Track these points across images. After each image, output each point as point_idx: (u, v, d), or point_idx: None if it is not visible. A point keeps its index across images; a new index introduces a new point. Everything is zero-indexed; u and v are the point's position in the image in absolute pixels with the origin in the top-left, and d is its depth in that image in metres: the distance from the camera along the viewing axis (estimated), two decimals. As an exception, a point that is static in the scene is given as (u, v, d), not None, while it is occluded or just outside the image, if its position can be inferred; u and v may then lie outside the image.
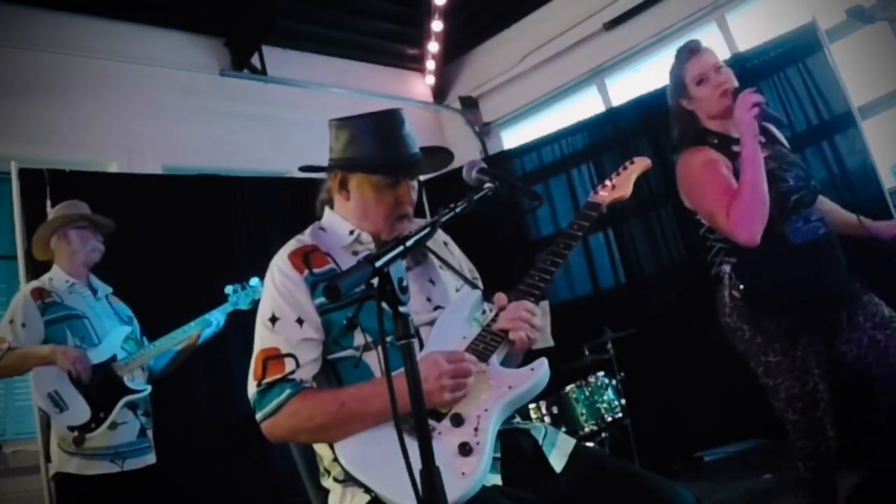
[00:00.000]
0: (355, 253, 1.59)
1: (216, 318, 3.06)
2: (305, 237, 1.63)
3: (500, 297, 1.55)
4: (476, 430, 1.34)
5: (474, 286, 1.68)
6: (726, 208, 1.99)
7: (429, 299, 1.60)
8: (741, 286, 2.07)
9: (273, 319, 1.50)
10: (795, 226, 2.05)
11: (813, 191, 2.12)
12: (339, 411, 1.39)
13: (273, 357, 1.47)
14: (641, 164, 1.74)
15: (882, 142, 4.30)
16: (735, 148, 2.11)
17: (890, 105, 4.42)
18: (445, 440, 1.32)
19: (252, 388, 1.48)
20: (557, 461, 1.43)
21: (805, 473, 2.02)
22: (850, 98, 4.08)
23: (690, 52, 2.22)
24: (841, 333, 2.06)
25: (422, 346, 1.51)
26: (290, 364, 1.46)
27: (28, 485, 3.44)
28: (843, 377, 2.07)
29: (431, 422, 1.35)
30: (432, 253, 1.68)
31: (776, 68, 4.23)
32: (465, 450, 1.30)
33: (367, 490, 1.35)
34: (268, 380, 1.45)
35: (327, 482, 1.47)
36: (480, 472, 1.28)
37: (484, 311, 1.62)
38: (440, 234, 1.77)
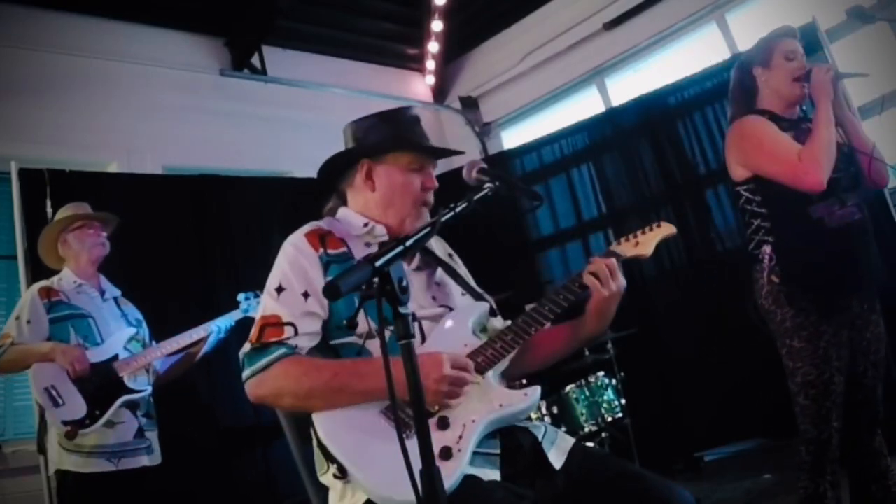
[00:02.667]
0: (368, 245, 1.62)
1: (225, 323, 3.08)
2: (321, 222, 1.66)
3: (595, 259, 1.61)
4: (460, 437, 1.35)
5: (480, 297, 1.69)
6: (797, 153, 2.08)
7: (434, 298, 1.63)
8: (780, 271, 2.13)
9: (279, 290, 1.51)
10: (832, 209, 2.11)
11: (852, 176, 2.19)
12: (330, 380, 1.41)
13: (272, 324, 1.48)
14: (668, 229, 1.71)
15: (882, 142, 4.29)
16: (786, 124, 2.21)
17: (890, 105, 4.42)
18: None
19: (245, 348, 1.49)
20: (557, 458, 1.44)
21: (806, 457, 2.09)
22: (850, 98, 4.08)
23: (790, 33, 2.36)
24: (861, 327, 2.15)
25: (423, 338, 1.53)
26: (288, 331, 1.47)
27: (28, 484, 3.44)
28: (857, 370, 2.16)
29: None
30: (437, 261, 1.71)
31: (776, 68, 4.22)
32: (445, 454, 1.32)
33: None
34: (263, 341, 1.46)
35: (326, 478, 1.46)
36: (454, 479, 1.29)
37: (485, 328, 1.63)
38: (445, 247, 1.80)
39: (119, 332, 2.96)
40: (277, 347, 1.45)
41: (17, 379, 3.59)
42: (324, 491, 1.49)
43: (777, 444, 3.99)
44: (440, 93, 6.64)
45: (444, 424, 1.38)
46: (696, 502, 1.36)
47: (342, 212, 1.72)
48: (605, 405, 4.02)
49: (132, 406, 2.89)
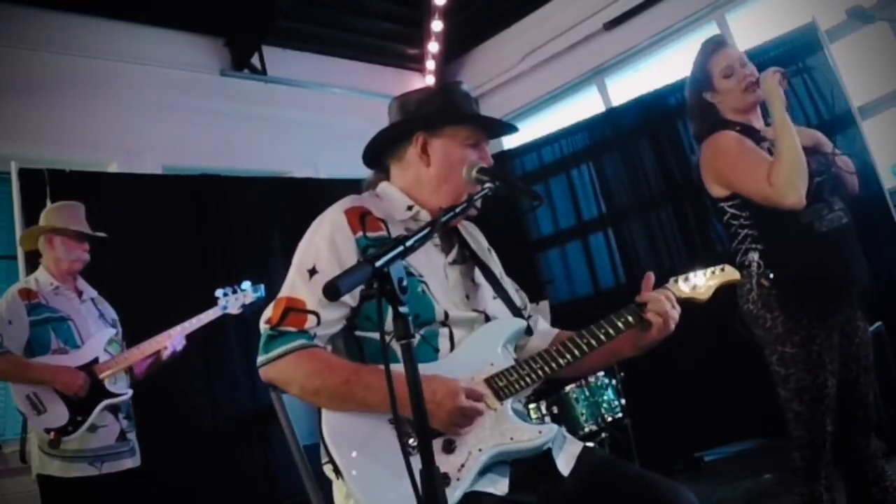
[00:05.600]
0: (408, 229, 1.53)
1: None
2: (361, 198, 1.58)
3: (649, 279, 1.54)
4: (462, 466, 1.32)
5: (517, 310, 1.62)
6: (767, 176, 2.01)
7: (467, 296, 1.57)
8: (771, 275, 2.09)
9: (312, 271, 1.44)
10: (821, 213, 2.08)
11: (834, 178, 2.15)
12: (340, 386, 1.36)
13: (296, 309, 1.42)
14: (731, 275, 1.61)
15: (882, 142, 4.30)
16: (759, 135, 2.16)
17: (890, 105, 4.42)
18: None
19: (263, 330, 1.44)
20: (565, 464, 1.42)
21: (800, 463, 2.07)
22: (850, 98, 4.08)
23: (717, 45, 2.27)
24: (850, 333, 2.13)
25: (452, 346, 1.48)
26: (311, 320, 1.41)
27: (28, 485, 3.42)
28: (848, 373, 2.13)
29: None
30: (474, 257, 1.65)
31: (776, 68, 4.22)
32: (443, 480, 1.27)
33: None
34: (282, 328, 1.41)
35: (328, 469, 1.42)
36: None
37: (515, 344, 1.58)
38: (484, 241, 1.75)
39: (98, 334, 2.91)
40: (296, 336, 1.40)
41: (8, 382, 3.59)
42: (324, 490, 1.47)
43: (777, 444, 3.98)
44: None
45: (449, 448, 1.33)
46: None
47: (384, 188, 1.63)
48: (605, 405, 4.02)
49: (113, 409, 2.84)
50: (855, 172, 2.22)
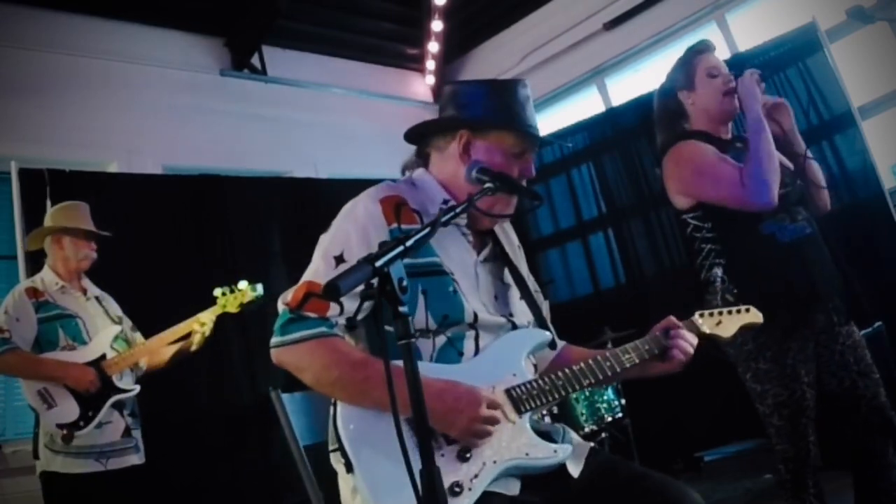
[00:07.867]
0: (444, 225, 1.43)
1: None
2: (397, 186, 1.52)
3: (672, 321, 1.59)
4: (475, 476, 1.30)
5: (543, 321, 1.59)
6: (739, 178, 1.99)
7: (496, 297, 1.55)
8: (735, 290, 2.06)
9: (339, 259, 1.39)
10: (783, 224, 2.05)
11: (800, 190, 2.14)
12: (361, 382, 1.32)
13: (318, 295, 1.35)
14: (755, 317, 1.66)
15: (882, 142, 4.30)
16: (725, 144, 2.14)
17: (890, 105, 4.42)
18: (442, 469, 1.18)
19: (282, 311, 1.39)
20: (574, 466, 1.41)
21: (787, 476, 2.04)
22: (850, 98, 4.08)
23: (707, 47, 2.25)
24: (828, 342, 2.09)
25: (476, 349, 1.45)
26: (333, 308, 1.36)
27: (28, 485, 3.43)
28: (829, 382, 2.10)
29: (440, 440, 1.33)
30: (505, 256, 1.62)
31: (776, 68, 4.22)
32: (454, 490, 1.27)
33: None
34: (303, 312, 1.36)
35: (336, 459, 1.39)
36: None
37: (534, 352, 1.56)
38: (515, 238, 1.72)
39: (105, 331, 2.94)
40: (317, 323, 1.35)
41: (18, 378, 3.59)
42: (324, 490, 1.46)
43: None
44: (440, 93, 6.62)
45: (464, 456, 1.32)
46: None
47: (421, 176, 1.58)
48: (605, 405, 4.02)
49: (119, 405, 2.87)
50: (825, 187, 2.19)
